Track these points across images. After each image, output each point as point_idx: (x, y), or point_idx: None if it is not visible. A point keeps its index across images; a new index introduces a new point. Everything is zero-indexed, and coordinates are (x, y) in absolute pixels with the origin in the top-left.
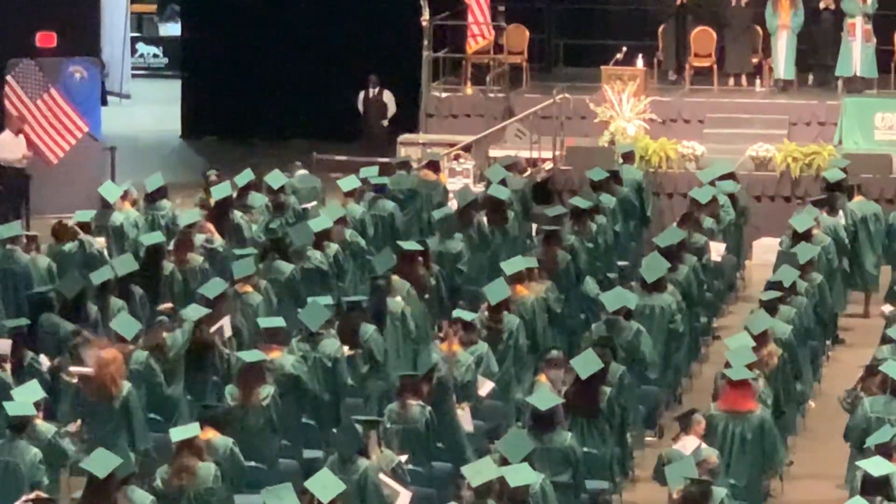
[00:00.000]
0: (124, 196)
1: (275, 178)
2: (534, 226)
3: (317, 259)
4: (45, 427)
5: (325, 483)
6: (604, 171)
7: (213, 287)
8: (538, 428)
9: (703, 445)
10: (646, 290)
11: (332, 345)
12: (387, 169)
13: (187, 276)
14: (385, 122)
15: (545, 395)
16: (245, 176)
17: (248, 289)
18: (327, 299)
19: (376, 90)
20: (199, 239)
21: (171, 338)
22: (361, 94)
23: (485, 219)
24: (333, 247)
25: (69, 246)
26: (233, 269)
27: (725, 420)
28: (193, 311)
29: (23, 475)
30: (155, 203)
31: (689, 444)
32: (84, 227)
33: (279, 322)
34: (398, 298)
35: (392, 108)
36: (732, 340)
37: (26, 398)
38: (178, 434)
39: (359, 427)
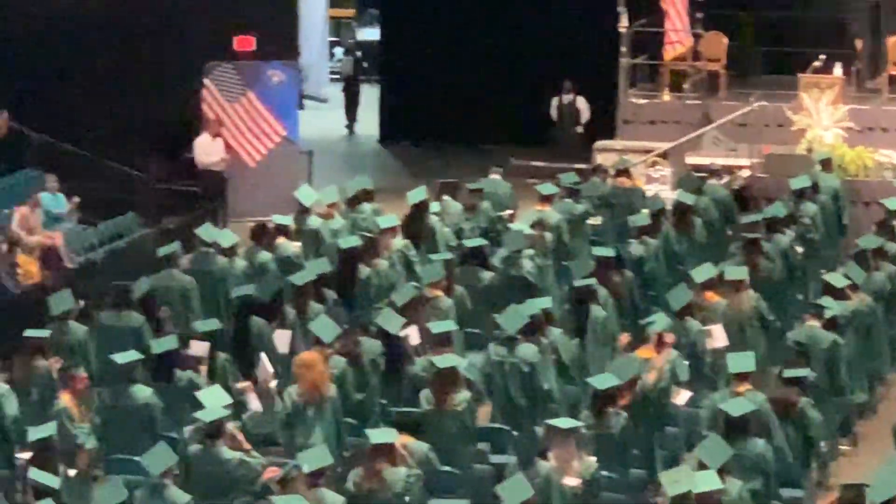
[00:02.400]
0: (332, 205)
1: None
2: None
3: (526, 268)
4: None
5: (515, 488)
6: (806, 179)
7: (404, 293)
8: (732, 435)
9: None
10: (839, 300)
11: (529, 350)
12: (582, 175)
13: (381, 281)
14: (579, 129)
15: (738, 401)
16: (442, 181)
17: (438, 293)
18: (533, 305)
19: (570, 96)
20: (398, 244)
21: (366, 343)
22: (555, 101)
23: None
24: (528, 251)
25: (266, 249)
26: (422, 274)
27: None
28: (385, 318)
29: (225, 482)
30: (356, 207)
31: None
32: (282, 230)
33: (449, 326)
34: (599, 305)
35: (586, 115)
36: None
37: (215, 403)
38: (375, 438)
39: (556, 432)
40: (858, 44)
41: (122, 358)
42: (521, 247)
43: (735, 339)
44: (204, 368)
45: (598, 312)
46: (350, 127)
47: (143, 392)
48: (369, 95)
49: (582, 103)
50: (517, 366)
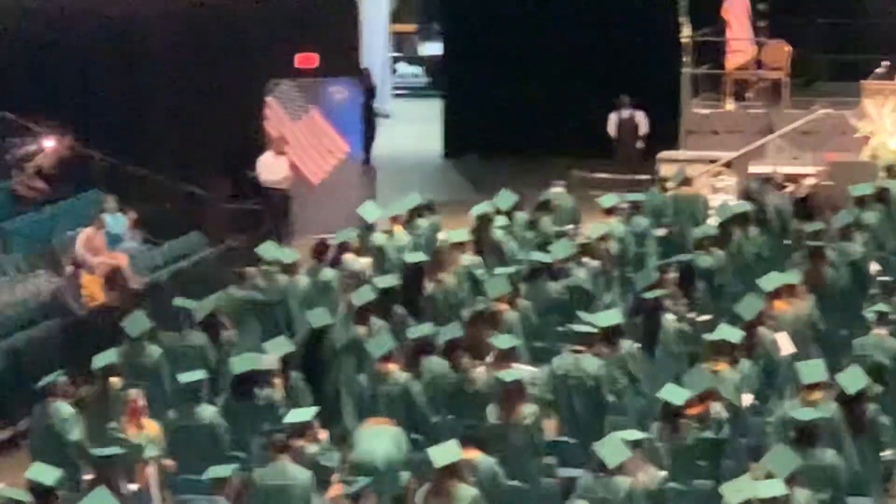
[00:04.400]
0: (395, 219)
1: (506, 199)
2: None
3: (581, 278)
4: (310, 446)
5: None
6: (868, 187)
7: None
8: (801, 443)
9: None
10: None
11: (592, 363)
12: (645, 187)
13: (447, 296)
14: (640, 144)
15: (809, 410)
16: (507, 196)
17: (504, 307)
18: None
19: (629, 111)
20: (466, 259)
21: (428, 362)
22: (613, 116)
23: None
24: (596, 263)
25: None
26: (487, 289)
27: None
28: (448, 332)
29: (296, 498)
30: (413, 222)
31: None
32: (345, 246)
33: (512, 341)
34: (669, 316)
35: (645, 129)
36: None
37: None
38: (439, 455)
39: (622, 444)
40: None
41: (186, 377)
42: (568, 255)
43: (798, 348)
44: (278, 381)
45: (669, 324)
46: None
47: (207, 412)
48: (433, 109)
49: (640, 117)
50: (582, 379)
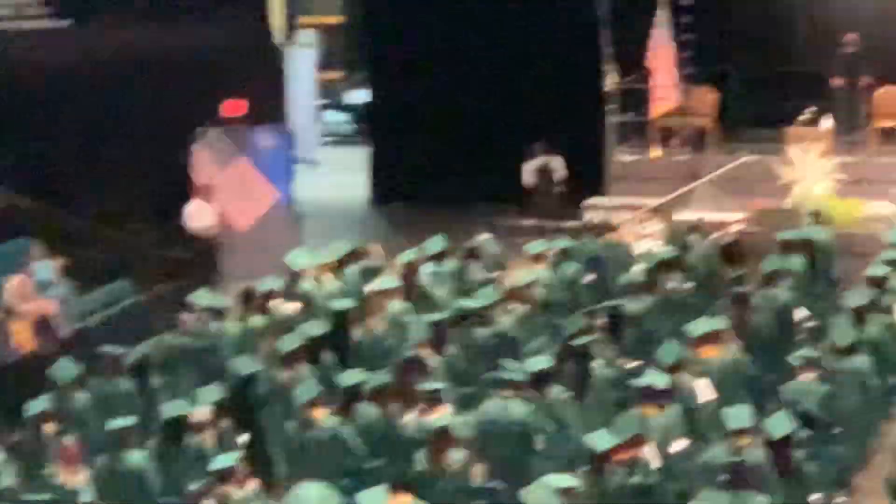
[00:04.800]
0: (322, 266)
1: (434, 246)
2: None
3: (505, 324)
4: (236, 491)
5: None
6: (793, 233)
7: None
8: (729, 488)
9: None
10: (831, 354)
11: (521, 408)
12: (572, 233)
13: (375, 343)
14: (556, 189)
15: (737, 455)
16: (436, 242)
17: (427, 352)
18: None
19: (544, 157)
20: (395, 306)
21: (359, 408)
22: (527, 165)
23: (670, 281)
24: (524, 311)
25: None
26: (410, 334)
27: None
28: (377, 379)
29: None
30: (342, 269)
31: None
32: (274, 294)
33: (444, 386)
34: (598, 362)
35: (561, 174)
36: None
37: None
38: (369, 502)
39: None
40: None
41: (116, 423)
42: (492, 302)
43: (725, 393)
44: (209, 433)
45: (599, 370)
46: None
47: (136, 458)
48: (360, 157)
49: (556, 163)
50: (510, 424)
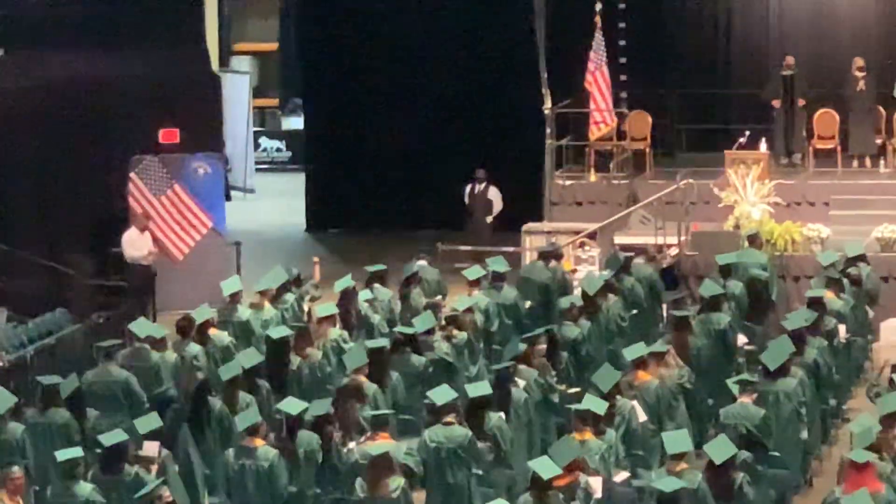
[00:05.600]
0: (263, 293)
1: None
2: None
3: (444, 350)
4: None
5: None
6: (732, 256)
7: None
8: None
9: None
10: (769, 377)
11: (460, 433)
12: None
13: (312, 370)
14: (490, 219)
15: (672, 480)
16: (374, 268)
17: (362, 379)
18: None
19: (482, 186)
20: (334, 333)
21: (304, 436)
22: (468, 188)
23: (612, 305)
24: (463, 336)
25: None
26: (346, 360)
27: None
28: (317, 407)
29: None
30: (279, 297)
31: None
32: (210, 322)
33: (385, 412)
34: (521, 387)
35: (498, 205)
36: (856, 423)
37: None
38: None
39: None
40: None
41: (63, 455)
42: (431, 327)
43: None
44: (154, 468)
45: (518, 395)
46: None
47: (84, 489)
48: (296, 184)
49: (493, 193)
50: (454, 450)
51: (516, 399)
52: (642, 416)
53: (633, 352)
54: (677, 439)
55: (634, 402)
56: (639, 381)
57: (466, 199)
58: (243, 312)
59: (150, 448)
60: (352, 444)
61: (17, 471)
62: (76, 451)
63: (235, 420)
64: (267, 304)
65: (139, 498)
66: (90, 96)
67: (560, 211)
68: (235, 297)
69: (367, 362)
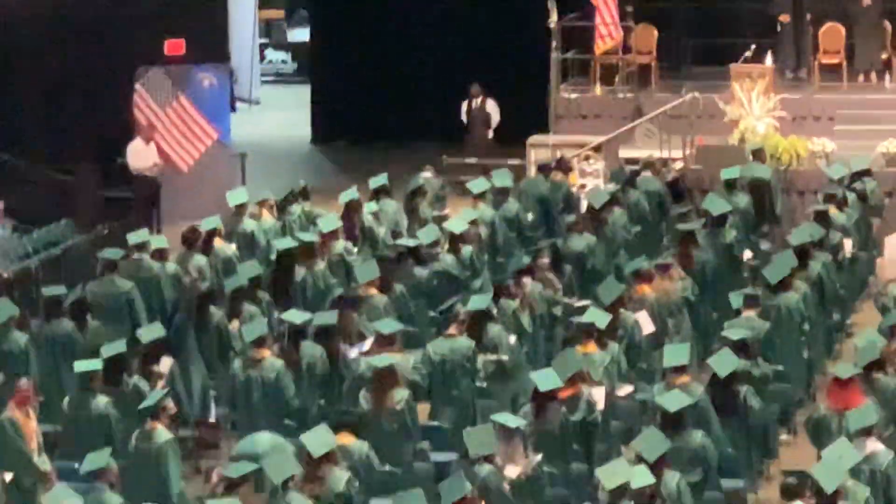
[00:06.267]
0: (262, 203)
1: (377, 183)
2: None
3: (448, 262)
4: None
5: (454, 486)
6: (737, 171)
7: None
8: (668, 429)
9: None
10: (771, 291)
11: (463, 344)
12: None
13: (317, 282)
14: (490, 132)
15: (675, 395)
16: (377, 180)
17: (373, 292)
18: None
19: (479, 100)
20: (339, 246)
21: (307, 348)
22: (464, 105)
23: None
24: (468, 249)
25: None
26: (356, 273)
27: (836, 419)
28: (322, 318)
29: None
30: (285, 208)
31: None
32: (213, 233)
33: (394, 326)
34: (513, 300)
35: (496, 118)
36: (861, 338)
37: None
38: (312, 442)
39: (499, 431)
40: (780, 33)
41: (81, 366)
42: (436, 238)
43: (664, 328)
44: (161, 383)
45: (506, 305)
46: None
47: (100, 402)
48: (302, 96)
49: (491, 106)
50: (458, 362)
51: (503, 305)
52: (649, 328)
53: (634, 265)
54: (675, 353)
55: (640, 314)
56: (639, 294)
57: (464, 116)
58: (248, 224)
59: (165, 364)
60: (352, 353)
61: (25, 382)
62: (95, 364)
63: (235, 331)
64: (266, 214)
65: (144, 410)
66: (96, 8)
67: (565, 124)
68: (241, 209)
69: (378, 275)
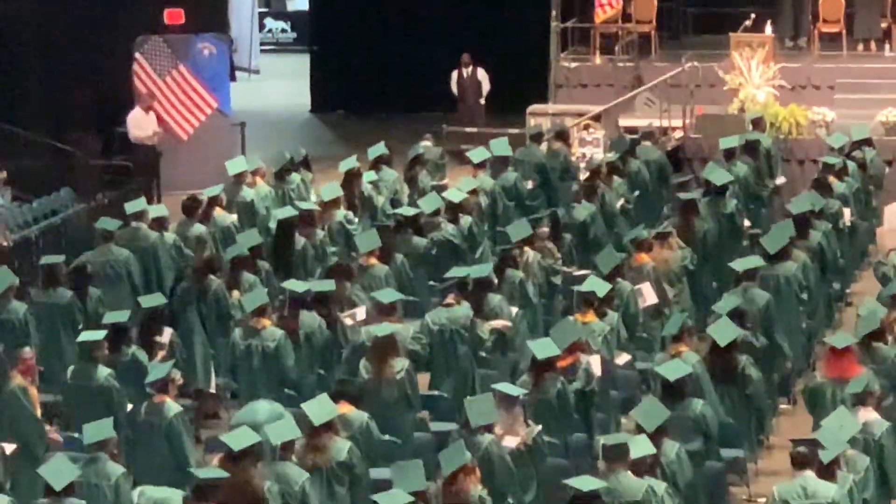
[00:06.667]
0: (255, 171)
1: (375, 152)
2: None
3: (449, 232)
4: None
5: (454, 454)
6: (736, 139)
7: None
8: (668, 397)
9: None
10: (770, 261)
11: (461, 313)
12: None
13: (316, 251)
14: (482, 101)
15: (674, 365)
16: (376, 150)
17: (373, 261)
18: (461, 271)
19: (470, 69)
20: (339, 214)
21: (306, 317)
22: (455, 74)
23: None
24: (467, 219)
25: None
26: (357, 243)
27: (832, 388)
28: (319, 286)
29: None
30: (284, 177)
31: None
32: (214, 202)
33: (394, 295)
34: (518, 270)
35: (487, 86)
36: (861, 307)
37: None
38: (314, 410)
39: (499, 400)
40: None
41: (84, 337)
42: (437, 207)
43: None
44: (162, 353)
45: (512, 274)
46: None
47: (102, 373)
48: (301, 65)
49: (482, 75)
50: (458, 331)
51: (513, 280)
52: (652, 300)
53: (633, 234)
54: (674, 321)
55: (644, 286)
56: (637, 263)
57: (454, 87)
58: (247, 193)
59: (167, 335)
60: (347, 321)
61: (28, 351)
62: (98, 334)
63: (234, 300)
64: (260, 181)
65: (153, 383)
66: None
67: (565, 93)
68: (240, 178)
69: (379, 245)
